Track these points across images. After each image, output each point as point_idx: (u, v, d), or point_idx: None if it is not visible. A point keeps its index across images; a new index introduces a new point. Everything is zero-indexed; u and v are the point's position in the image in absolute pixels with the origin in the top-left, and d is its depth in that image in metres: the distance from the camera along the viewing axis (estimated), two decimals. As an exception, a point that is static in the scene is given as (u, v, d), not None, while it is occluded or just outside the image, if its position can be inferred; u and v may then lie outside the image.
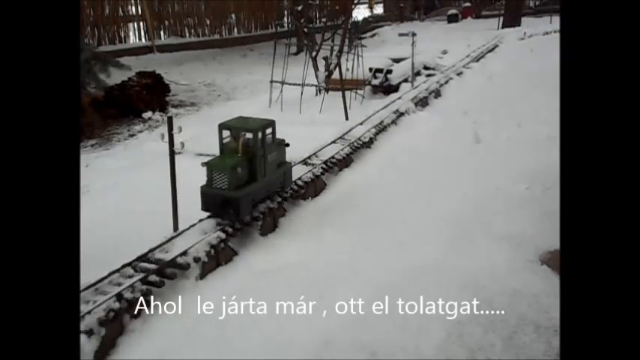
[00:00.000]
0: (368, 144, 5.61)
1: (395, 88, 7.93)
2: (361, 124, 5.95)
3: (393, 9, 22.77)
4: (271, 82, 7.57)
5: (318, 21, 13.70)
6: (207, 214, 3.55)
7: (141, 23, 15.30)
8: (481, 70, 9.91)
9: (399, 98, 7.23)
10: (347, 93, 6.95)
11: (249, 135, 3.58)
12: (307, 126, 6.21)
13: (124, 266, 2.94)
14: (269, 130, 3.73)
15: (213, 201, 3.46)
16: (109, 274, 2.86)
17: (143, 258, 3.06)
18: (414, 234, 3.68)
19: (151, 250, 3.13)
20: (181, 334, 2.72)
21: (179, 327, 2.77)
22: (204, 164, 3.47)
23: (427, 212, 4.02)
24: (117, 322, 2.69)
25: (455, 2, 24.80)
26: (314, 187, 4.48)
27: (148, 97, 8.01)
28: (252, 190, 3.57)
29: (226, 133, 3.70)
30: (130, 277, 2.89)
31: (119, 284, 2.80)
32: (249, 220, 3.64)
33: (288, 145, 4.01)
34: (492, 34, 14.73)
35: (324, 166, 4.71)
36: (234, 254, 3.47)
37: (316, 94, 7.70)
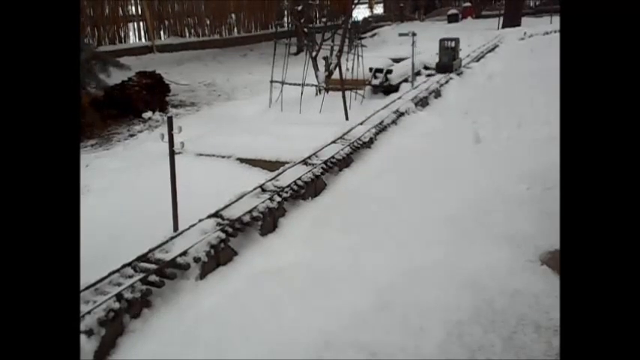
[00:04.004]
0: (368, 144, 5.61)
1: (395, 88, 7.93)
2: (361, 124, 5.95)
3: (393, 9, 22.77)
4: (271, 82, 7.57)
5: (318, 21, 13.69)
6: (207, 214, 3.59)
7: (141, 23, 15.32)
8: (481, 70, 9.91)
9: (399, 98, 7.23)
10: (347, 93, 6.95)
11: (451, 43, 9.07)
12: (307, 126, 6.21)
13: (124, 266, 2.94)
14: (457, 43, 9.20)
15: (441, 66, 8.98)
16: (109, 274, 2.86)
17: (143, 258, 3.06)
18: (414, 234, 3.68)
19: (151, 250, 3.13)
20: (181, 334, 2.72)
21: (179, 327, 2.77)
22: (439, 51, 9.15)
23: (427, 212, 4.02)
24: (117, 322, 2.69)
25: (455, 2, 24.82)
26: (314, 187, 4.48)
27: (148, 97, 8.01)
28: (454, 63, 9.10)
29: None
30: (130, 277, 2.89)
31: (119, 284, 2.80)
32: (249, 220, 3.65)
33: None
34: (492, 34, 14.74)
35: (324, 166, 4.71)
36: (234, 254, 3.47)
37: (316, 94, 7.70)
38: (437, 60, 9.24)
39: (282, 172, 4.44)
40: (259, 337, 2.66)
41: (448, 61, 9.10)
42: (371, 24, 20.21)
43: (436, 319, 2.73)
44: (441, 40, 9.19)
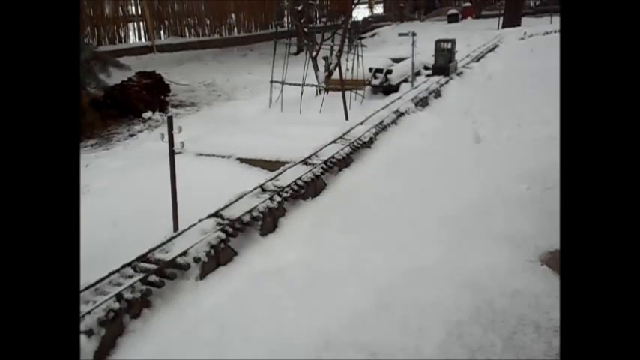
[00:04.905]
0: (368, 144, 5.62)
1: (395, 88, 7.93)
2: (361, 124, 5.95)
3: (393, 9, 22.77)
4: (271, 82, 7.57)
5: (318, 21, 13.70)
6: (207, 214, 3.59)
7: (141, 23, 15.33)
8: (481, 70, 9.91)
9: (399, 98, 7.22)
10: (347, 93, 6.95)
11: (447, 45, 8.83)
12: (307, 126, 6.21)
13: (124, 266, 2.94)
14: (454, 44, 8.92)
15: (437, 68, 8.78)
16: (109, 274, 2.86)
17: (143, 258, 3.06)
18: (414, 234, 3.68)
19: (151, 250, 3.13)
20: (181, 334, 2.72)
21: (179, 327, 2.77)
22: (435, 52, 8.91)
23: (427, 212, 4.02)
24: (117, 322, 2.69)
25: (455, 2, 24.83)
26: (314, 187, 4.48)
27: (148, 97, 8.01)
28: (451, 65, 8.84)
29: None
30: (130, 277, 2.89)
31: (119, 284, 2.80)
32: (249, 220, 3.65)
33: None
34: (492, 34, 14.75)
35: (324, 166, 4.71)
36: (234, 254, 3.47)
37: (316, 94, 7.70)
38: (432, 62, 9.07)
39: (282, 172, 4.44)
40: (259, 337, 2.66)
41: (444, 63, 8.85)
42: (371, 24, 20.23)
43: (436, 319, 2.73)
44: (437, 42, 8.90)
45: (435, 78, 8.59)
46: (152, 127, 7.40)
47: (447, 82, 8.57)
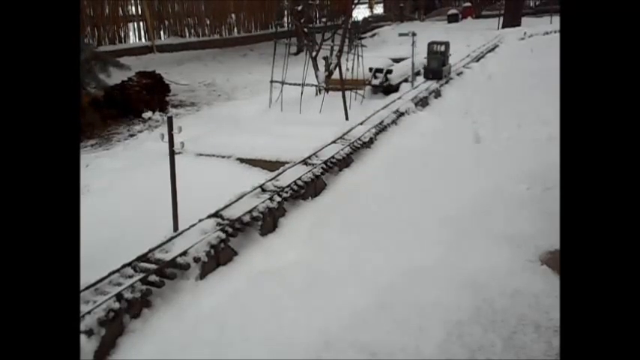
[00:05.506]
0: (368, 144, 5.62)
1: (395, 88, 7.93)
2: (361, 124, 5.95)
3: (393, 9, 22.77)
4: (271, 82, 7.56)
5: (318, 21, 13.69)
6: (207, 214, 3.59)
7: (141, 23, 15.31)
8: (481, 70, 9.91)
9: (399, 98, 7.23)
10: (347, 93, 6.95)
11: (441, 47, 8.48)
12: (307, 126, 6.21)
13: (124, 266, 2.94)
14: (447, 46, 8.57)
15: (430, 72, 8.43)
16: (109, 274, 2.86)
17: (143, 258, 3.06)
18: (414, 234, 3.68)
19: (151, 250, 3.13)
20: (181, 334, 2.72)
21: (179, 327, 2.77)
22: (427, 55, 8.55)
23: (427, 212, 4.02)
24: (117, 322, 2.69)
25: (455, 2, 24.83)
26: (314, 187, 4.48)
27: (148, 97, 8.01)
28: (444, 69, 8.53)
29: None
30: (130, 277, 2.89)
31: (119, 284, 2.80)
32: (249, 220, 3.65)
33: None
34: (492, 34, 14.75)
35: (324, 166, 4.71)
36: (234, 254, 3.47)
37: (316, 94, 7.69)
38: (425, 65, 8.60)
39: (282, 172, 4.44)
40: (259, 337, 2.66)
41: (437, 66, 8.49)
42: (371, 24, 20.22)
43: (436, 319, 2.73)
44: (430, 44, 8.55)
45: (427, 82, 8.49)
46: (152, 127, 7.40)
47: (447, 82, 8.57)
